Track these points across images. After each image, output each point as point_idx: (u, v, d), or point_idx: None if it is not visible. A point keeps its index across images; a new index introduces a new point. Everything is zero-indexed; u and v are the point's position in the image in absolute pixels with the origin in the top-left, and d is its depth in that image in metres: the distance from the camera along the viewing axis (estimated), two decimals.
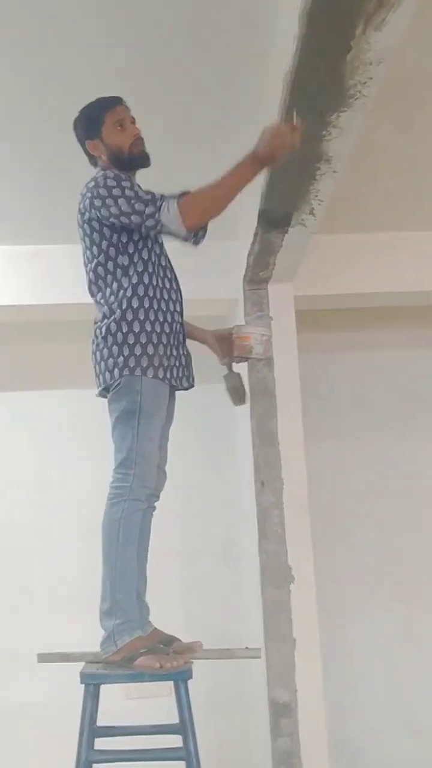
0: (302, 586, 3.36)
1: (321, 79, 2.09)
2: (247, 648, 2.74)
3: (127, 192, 2.12)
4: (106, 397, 2.29)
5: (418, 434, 4.41)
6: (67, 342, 3.51)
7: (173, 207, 2.07)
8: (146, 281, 2.23)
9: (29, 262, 3.86)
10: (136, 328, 2.19)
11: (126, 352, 2.18)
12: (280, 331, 3.63)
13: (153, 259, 2.26)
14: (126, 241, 2.20)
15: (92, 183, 2.20)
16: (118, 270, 2.22)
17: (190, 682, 2.12)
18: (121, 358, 2.18)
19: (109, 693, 2.18)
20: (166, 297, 2.28)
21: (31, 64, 2.61)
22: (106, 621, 2.13)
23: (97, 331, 2.26)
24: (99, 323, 2.27)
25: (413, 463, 4.37)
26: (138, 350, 2.18)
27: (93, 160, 2.34)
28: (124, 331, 2.19)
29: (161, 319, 2.24)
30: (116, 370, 2.18)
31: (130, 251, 2.21)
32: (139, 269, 2.22)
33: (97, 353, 2.26)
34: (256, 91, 2.66)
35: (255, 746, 3.65)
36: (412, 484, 4.35)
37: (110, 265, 2.22)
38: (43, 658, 2.48)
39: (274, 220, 2.95)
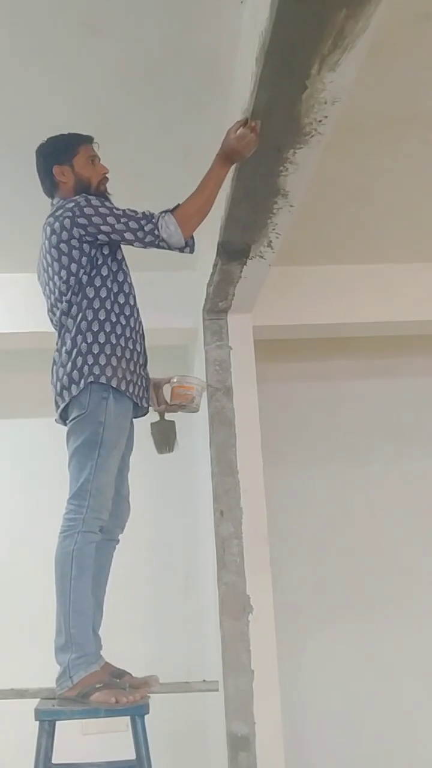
0: (261, 616, 3.35)
1: (278, 116, 2.14)
2: (204, 681, 2.71)
3: (115, 211, 2.21)
4: (65, 424, 2.29)
5: (377, 464, 4.45)
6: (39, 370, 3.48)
7: (171, 220, 2.19)
8: (113, 299, 2.27)
9: (2, 291, 3.84)
10: (101, 338, 2.22)
11: (90, 360, 2.19)
12: (240, 361, 3.67)
13: (120, 280, 2.31)
14: (98, 262, 2.25)
15: (71, 204, 2.23)
16: (87, 288, 2.24)
17: (146, 716, 2.09)
18: (86, 368, 2.18)
19: (65, 729, 2.14)
20: (129, 316, 2.31)
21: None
22: (61, 656, 2.09)
23: (60, 350, 2.26)
24: (60, 341, 2.27)
25: (372, 493, 4.41)
26: (103, 360, 2.20)
27: (51, 188, 2.37)
28: (89, 341, 2.21)
29: (126, 335, 2.28)
30: (81, 380, 2.18)
31: (103, 273, 2.26)
32: (108, 286, 2.26)
33: (59, 370, 2.25)
34: (217, 127, 2.71)
35: None
36: (371, 514, 4.38)
37: (77, 285, 2.24)
38: None
39: (233, 252, 2.99)
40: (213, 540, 3.46)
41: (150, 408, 2.48)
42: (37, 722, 2.05)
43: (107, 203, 2.25)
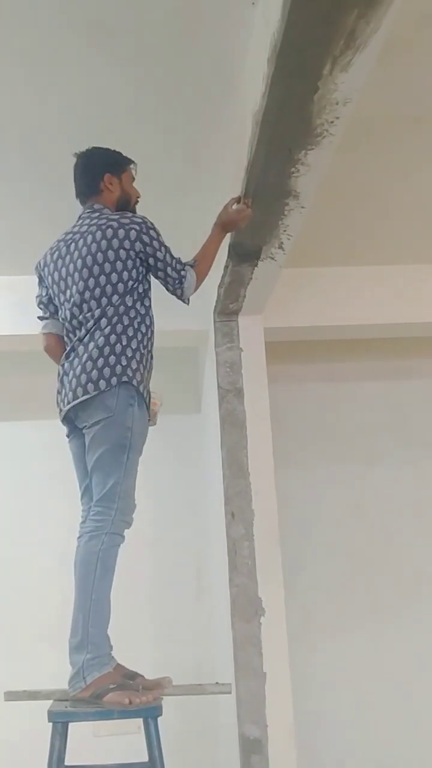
0: (273, 619, 3.34)
1: (289, 118, 2.14)
2: (217, 683, 2.71)
3: (166, 245, 2.39)
4: (71, 421, 2.32)
5: (387, 465, 4.44)
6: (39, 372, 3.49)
7: (192, 275, 2.39)
8: (144, 313, 2.37)
9: (2, 294, 3.85)
10: (134, 345, 2.30)
11: (124, 362, 2.25)
12: (251, 362, 3.67)
13: (149, 301, 2.43)
14: (141, 278, 2.37)
15: (138, 219, 2.36)
16: (127, 297, 2.32)
17: (159, 718, 2.09)
18: (118, 367, 2.24)
19: (77, 730, 2.14)
20: (151, 335, 2.41)
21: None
22: (75, 656, 2.10)
23: (88, 344, 2.29)
24: (89, 337, 2.30)
25: (383, 494, 4.40)
26: (134, 365, 2.28)
27: (90, 192, 2.46)
28: (123, 344, 2.28)
29: (148, 349, 2.39)
30: (114, 378, 2.22)
31: (139, 289, 2.37)
32: (142, 301, 2.37)
33: (88, 363, 2.26)
34: (227, 128, 2.72)
35: None
36: (383, 515, 4.37)
37: (124, 289, 2.31)
38: (10, 696, 2.43)
39: (245, 254, 2.99)
40: (224, 542, 3.46)
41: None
42: (50, 724, 2.05)
43: (161, 236, 2.38)
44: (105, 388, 2.22)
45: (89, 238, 2.33)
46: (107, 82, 2.57)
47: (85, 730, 2.43)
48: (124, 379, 2.23)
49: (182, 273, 2.37)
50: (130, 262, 2.31)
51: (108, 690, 2.02)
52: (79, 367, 2.28)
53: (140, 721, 2.07)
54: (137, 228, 2.32)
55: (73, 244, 2.38)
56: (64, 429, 2.43)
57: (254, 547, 3.42)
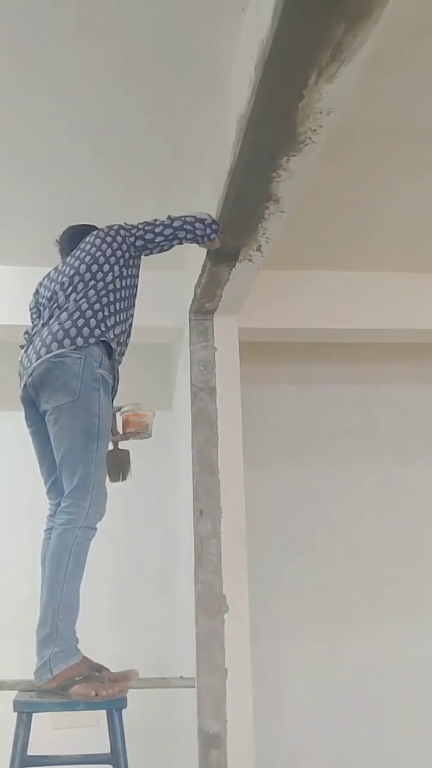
0: (236, 615, 3.37)
1: (273, 124, 2.17)
2: (182, 677, 2.74)
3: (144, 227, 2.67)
4: (32, 402, 2.35)
5: (354, 468, 4.51)
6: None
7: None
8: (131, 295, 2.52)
9: None
10: (113, 320, 2.40)
11: (103, 327, 2.35)
12: (224, 362, 3.70)
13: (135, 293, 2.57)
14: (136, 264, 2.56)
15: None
16: (117, 281, 2.46)
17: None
18: (93, 320, 2.32)
19: (38, 722, 2.15)
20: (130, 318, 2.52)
21: None
22: (43, 648, 2.11)
23: (69, 306, 2.39)
24: (66, 302, 2.40)
25: (348, 497, 4.47)
26: (103, 326, 2.35)
27: (76, 242, 2.64)
28: (106, 313, 2.37)
29: (126, 330, 2.49)
30: (86, 329, 2.30)
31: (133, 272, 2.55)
32: (131, 289, 2.53)
33: (67, 322, 2.33)
34: (211, 127, 2.75)
35: None
36: (348, 517, 4.44)
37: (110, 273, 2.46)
38: None
39: (223, 255, 3.01)
40: (191, 539, 3.48)
41: None
42: (15, 713, 2.07)
43: None
44: (81, 344, 2.26)
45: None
46: (95, 79, 2.58)
47: (45, 722, 2.44)
48: (96, 333, 2.29)
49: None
50: (113, 259, 2.44)
51: (74, 682, 2.04)
52: (57, 324, 2.33)
53: (100, 714, 2.09)
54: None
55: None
56: (25, 415, 2.43)
57: (221, 545, 3.45)
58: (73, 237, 2.68)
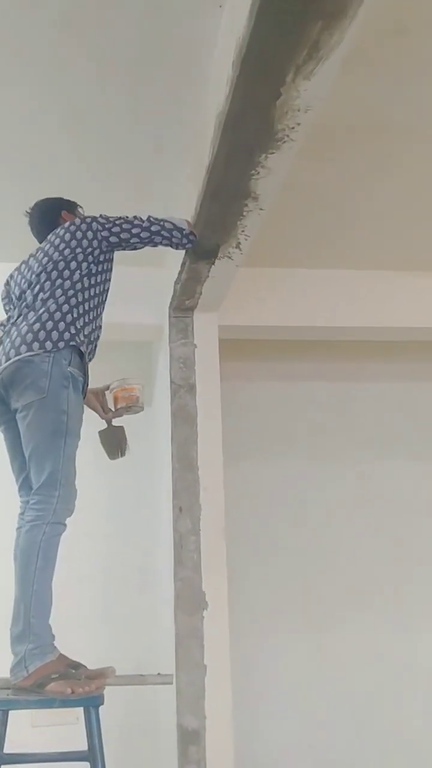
0: (215, 612, 3.38)
1: (251, 121, 2.17)
2: (159, 674, 2.74)
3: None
4: (3, 400, 2.32)
5: (334, 465, 4.53)
6: None
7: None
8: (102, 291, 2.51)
9: None
10: (82, 321, 2.38)
11: (72, 330, 2.32)
12: (204, 359, 3.70)
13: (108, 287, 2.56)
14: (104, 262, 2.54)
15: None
16: (85, 279, 2.44)
17: (99, 708, 2.11)
18: (66, 334, 2.29)
19: (15, 720, 2.14)
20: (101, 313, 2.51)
21: None
22: (17, 645, 2.10)
23: (37, 306, 2.36)
24: (39, 303, 2.38)
25: (328, 493, 4.48)
26: (73, 330, 2.32)
27: (50, 229, 2.59)
28: (75, 315, 2.35)
29: (98, 327, 2.49)
30: (61, 342, 2.27)
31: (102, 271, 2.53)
32: (102, 285, 2.52)
33: (35, 324, 2.31)
34: (191, 126, 2.74)
35: None
36: (328, 514, 4.46)
37: (77, 273, 2.43)
38: None
39: (203, 252, 3.01)
40: (171, 536, 3.48)
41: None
42: None
43: None
44: (50, 348, 2.24)
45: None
46: (72, 74, 2.57)
47: (23, 720, 2.44)
48: (73, 343, 2.28)
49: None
50: (81, 256, 2.44)
51: (50, 679, 2.04)
52: (25, 326, 2.31)
53: (79, 711, 2.09)
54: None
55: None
56: None
57: (200, 542, 3.45)
58: (45, 215, 2.70)
